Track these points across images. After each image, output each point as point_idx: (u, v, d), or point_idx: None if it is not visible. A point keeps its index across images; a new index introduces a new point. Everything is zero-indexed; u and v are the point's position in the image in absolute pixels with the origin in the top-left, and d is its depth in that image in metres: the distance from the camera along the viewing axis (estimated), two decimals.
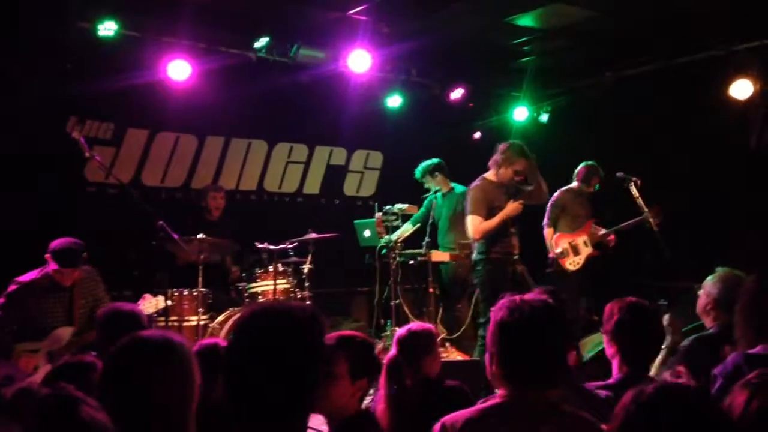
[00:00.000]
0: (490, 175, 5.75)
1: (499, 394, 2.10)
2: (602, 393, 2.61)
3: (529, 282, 5.49)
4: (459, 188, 6.83)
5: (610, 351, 2.84)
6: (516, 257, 5.63)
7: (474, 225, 5.60)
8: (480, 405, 2.10)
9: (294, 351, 1.69)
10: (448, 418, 2.06)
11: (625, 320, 2.76)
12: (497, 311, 2.12)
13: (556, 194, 6.58)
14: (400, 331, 3.28)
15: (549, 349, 2.07)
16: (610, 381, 2.77)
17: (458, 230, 6.74)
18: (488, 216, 5.57)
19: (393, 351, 3.15)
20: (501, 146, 5.77)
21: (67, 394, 1.35)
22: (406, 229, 6.88)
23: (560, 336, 2.11)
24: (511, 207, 5.55)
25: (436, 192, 6.86)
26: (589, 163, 6.74)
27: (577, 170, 6.68)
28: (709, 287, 3.48)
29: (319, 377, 1.77)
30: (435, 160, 6.90)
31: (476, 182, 5.78)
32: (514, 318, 2.07)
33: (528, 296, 2.15)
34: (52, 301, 4.88)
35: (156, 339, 1.90)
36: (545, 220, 6.60)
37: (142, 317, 3.35)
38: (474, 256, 5.76)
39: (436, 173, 6.86)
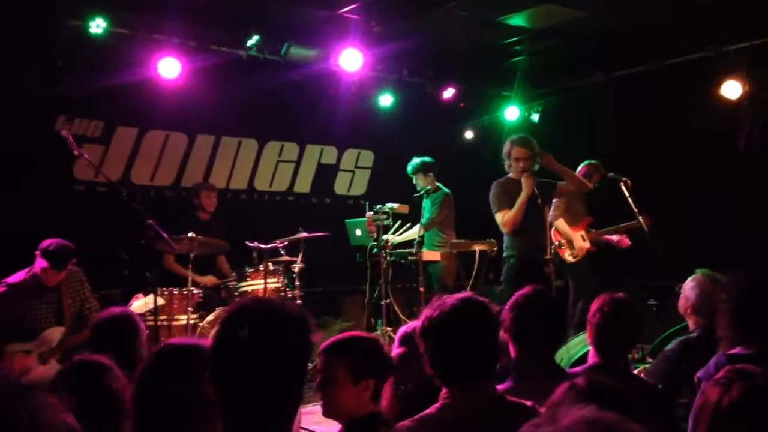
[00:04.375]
0: (510, 174, 5.73)
1: (441, 395, 2.13)
2: None
3: (552, 285, 5.46)
4: (444, 189, 6.90)
5: (588, 338, 2.90)
6: (547, 258, 5.59)
7: (501, 219, 5.56)
8: (425, 411, 2.12)
9: (279, 350, 1.68)
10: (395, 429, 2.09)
11: (605, 312, 2.82)
12: (423, 313, 2.18)
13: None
14: (405, 329, 3.23)
15: (473, 346, 2.11)
16: (577, 369, 2.80)
17: (444, 229, 6.79)
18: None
19: (399, 348, 3.11)
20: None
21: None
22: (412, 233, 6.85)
23: (484, 332, 2.14)
24: (525, 183, 5.47)
25: (423, 191, 6.89)
26: (592, 161, 6.77)
27: (579, 168, 6.68)
28: (687, 291, 3.54)
29: (305, 376, 1.76)
30: (429, 159, 6.92)
31: (497, 180, 5.76)
32: (434, 318, 2.12)
33: (450, 297, 2.18)
34: (42, 302, 4.85)
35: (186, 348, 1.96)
36: (553, 212, 6.59)
37: (138, 322, 3.30)
38: (503, 253, 5.73)
39: (430, 172, 6.89)
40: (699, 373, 2.61)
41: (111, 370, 2.17)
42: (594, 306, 2.88)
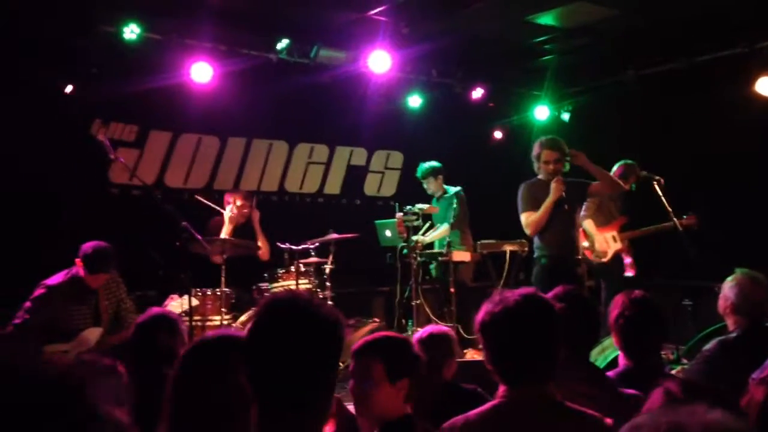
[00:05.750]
0: (540, 175, 5.68)
1: (498, 393, 2.08)
2: (630, 391, 2.60)
3: (585, 286, 5.42)
4: (451, 190, 6.92)
5: (616, 343, 2.85)
6: (578, 258, 5.56)
7: (525, 221, 5.56)
8: (480, 408, 2.07)
9: (311, 353, 1.69)
10: (447, 425, 2.06)
11: (628, 313, 2.77)
12: (483, 307, 2.10)
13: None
14: (419, 334, 3.25)
15: (535, 344, 2.03)
16: (610, 373, 2.77)
17: (464, 228, 6.82)
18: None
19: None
20: None
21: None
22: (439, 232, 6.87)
23: (546, 330, 2.05)
24: (553, 188, 5.43)
25: (439, 194, 6.95)
26: (628, 161, 6.65)
27: (614, 168, 6.60)
28: (726, 290, 3.47)
29: (334, 380, 1.77)
30: (438, 163, 6.99)
31: (525, 182, 5.75)
32: (496, 313, 2.05)
33: (515, 291, 2.11)
34: (80, 303, 4.93)
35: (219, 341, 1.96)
36: (583, 213, 6.54)
37: (180, 324, 3.35)
38: (534, 253, 5.72)
39: (440, 175, 6.94)
40: (754, 374, 2.56)
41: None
42: (615, 311, 2.82)
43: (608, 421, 2.01)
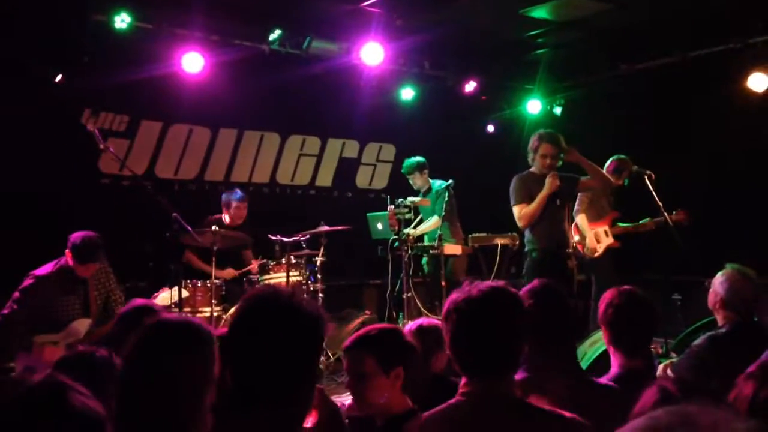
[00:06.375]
0: (532, 168, 5.71)
1: (459, 386, 2.05)
2: (606, 382, 2.60)
3: (575, 279, 5.45)
4: (436, 184, 6.92)
5: (605, 339, 2.83)
6: (569, 251, 5.58)
7: (518, 213, 5.57)
8: (442, 405, 2.05)
9: (292, 347, 1.71)
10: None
11: (617, 302, 2.75)
12: (449, 297, 2.07)
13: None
14: (409, 327, 3.26)
15: (494, 337, 1.99)
16: (604, 380, 2.73)
17: (453, 220, 6.82)
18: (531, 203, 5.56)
19: None
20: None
21: (55, 381, 1.35)
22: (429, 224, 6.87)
23: (507, 323, 2.01)
24: (548, 182, 5.45)
25: (425, 189, 6.95)
26: (621, 156, 6.66)
27: (607, 163, 6.61)
28: (716, 286, 3.48)
29: (314, 376, 1.78)
30: (423, 158, 7.00)
31: (518, 174, 5.77)
32: (458, 303, 2.01)
33: (481, 283, 2.06)
34: (70, 293, 4.91)
35: (178, 324, 1.89)
36: (576, 207, 6.56)
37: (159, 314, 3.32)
38: (525, 247, 5.74)
39: (425, 170, 6.95)
40: (751, 368, 2.55)
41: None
42: (603, 304, 2.80)
43: (569, 415, 1.98)
